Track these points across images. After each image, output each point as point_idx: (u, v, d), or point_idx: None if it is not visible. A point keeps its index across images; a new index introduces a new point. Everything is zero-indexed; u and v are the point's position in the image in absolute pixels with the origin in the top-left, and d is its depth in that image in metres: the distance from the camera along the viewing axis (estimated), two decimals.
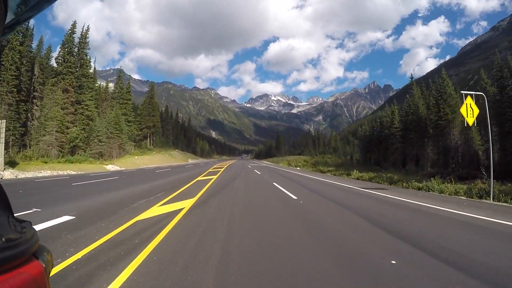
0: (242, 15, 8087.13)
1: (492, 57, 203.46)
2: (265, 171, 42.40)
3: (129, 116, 79.29)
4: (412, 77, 72.65)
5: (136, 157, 69.25)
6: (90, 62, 63.51)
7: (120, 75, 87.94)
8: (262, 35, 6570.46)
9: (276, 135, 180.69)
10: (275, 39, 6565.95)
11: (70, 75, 56.09)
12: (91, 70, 65.38)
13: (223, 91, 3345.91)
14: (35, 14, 1.22)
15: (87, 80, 61.22)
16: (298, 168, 65.79)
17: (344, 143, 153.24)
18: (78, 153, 53.76)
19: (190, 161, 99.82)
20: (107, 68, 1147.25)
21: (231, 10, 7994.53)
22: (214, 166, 53.40)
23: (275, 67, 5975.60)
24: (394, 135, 60.27)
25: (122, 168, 50.36)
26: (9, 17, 1.08)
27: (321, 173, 47.19)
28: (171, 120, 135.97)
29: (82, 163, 48.84)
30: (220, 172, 37.27)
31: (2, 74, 43.42)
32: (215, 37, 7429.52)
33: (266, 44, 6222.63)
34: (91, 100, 60.30)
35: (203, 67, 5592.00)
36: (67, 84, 55.00)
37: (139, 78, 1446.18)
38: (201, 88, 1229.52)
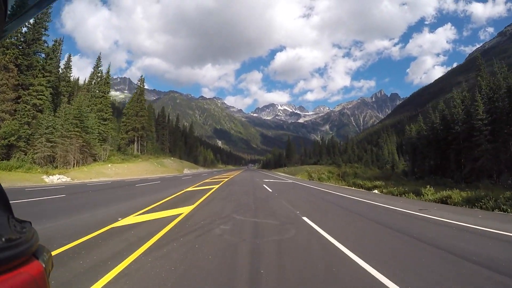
0: (249, 25, 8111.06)
1: (504, 61, 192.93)
2: (294, 195, 23.17)
3: (106, 113, 62.56)
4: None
5: (109, 165, 52.14)
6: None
7: (99, 56, 71.18)
8: (269, 44, 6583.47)
9: (287, 143, 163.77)
10: (281, 48, 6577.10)
11: (14, 48, 41.12)
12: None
13: (229, 100, 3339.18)
14: (35, 14, 1.21)
15: (44, 61, 46.08)
16: (325, 182, 48.68)
17: (361, 151, 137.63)
18: (16, 156, 37.31)
19: (187, 171, 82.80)
20: (115, 77, 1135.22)
21: (237, 19, 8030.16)
22: (206, 181, 34.83)
23: (281, 76, 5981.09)
24: (476, 130, 39.74)
25: (76, 181, 34.86)
26: (9, 16, 1.07)
27: (367, 190, 32.05)
28: (168, 124, 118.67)
29: (13, 170, 33.61)
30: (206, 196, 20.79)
31: None
32: (222, 46, 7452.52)
33: (273, 53, 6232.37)
34: (45, 86, 43.39)
35: (210, 77, 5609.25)
36: (8, 60, 38.71)
37: (146, 87, 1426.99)
38: (207, 97, 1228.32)
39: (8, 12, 0.98)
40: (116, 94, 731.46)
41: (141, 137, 79.77)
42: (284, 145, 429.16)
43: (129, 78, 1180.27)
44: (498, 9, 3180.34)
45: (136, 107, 78.65)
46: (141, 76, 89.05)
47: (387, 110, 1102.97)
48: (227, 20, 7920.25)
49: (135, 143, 78.40)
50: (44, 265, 0.78)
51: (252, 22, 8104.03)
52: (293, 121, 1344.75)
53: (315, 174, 64.01)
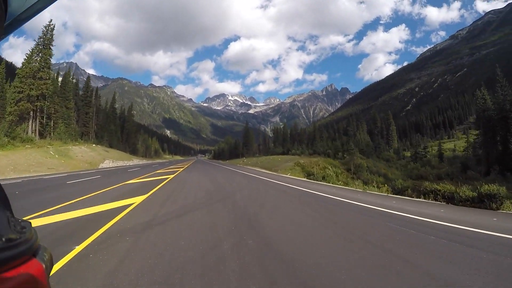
0: (205, 11, 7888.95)
1: (454, 62, 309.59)
2: None
3: None
4: None
5: None
6: None
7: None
8: (224, 33, 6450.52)
9: (245, 130, 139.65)
10: (236, 38, 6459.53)
11: None
12: None
13: (180, 89, 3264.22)
14: (35, 14, 1.21)
15: None
16: (335, 183, 27.49)
17: (330, 140, 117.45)
18: None
19: (108, 164, 56.00)
20: (61, 61, 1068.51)
21: (194, 5, 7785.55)
22: None
23: (234, 66, 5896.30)
24: None
25: None
26: (9, 17, 1.06)
27: None
28: (96, 102, 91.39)
29: None
30: None
31: None
32: (176, 33, 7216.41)
33: (227, 42, 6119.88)
34: None
35: (162, 64, 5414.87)
36: None
37: (94, 73, 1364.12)
38: (157, 85, 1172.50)
39: (8, 12, 0.97)
40: (60, 80, 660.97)
41: (40, 110, 53.35)
42: (235, 135, 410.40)
43: (76, 63, 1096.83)
44: (451, 15, 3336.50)
45: (34, 67, 52.06)
46: (50, 21, 58.45)
47: (337, 103, 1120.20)
48: (182, 6, 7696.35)
49: (31, 121, 51.88)
50: (44, 265, 0.76)
51: (209, 9, 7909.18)
52: (243, 111, 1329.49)
53: (315, 169, 41.11)
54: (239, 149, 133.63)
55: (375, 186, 25.67)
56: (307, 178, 33.51)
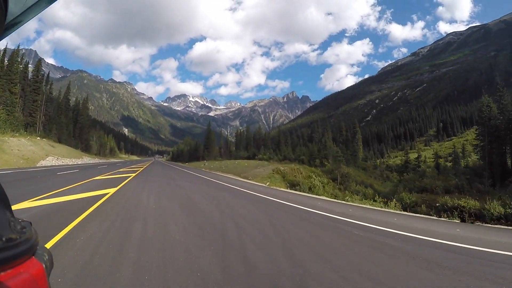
0: (173, 8, 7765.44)
1: (414, 77, 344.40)
2: None
3: None
4: None
5: None
6: None
7: None
8: (190, 32, 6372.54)
9: (207, 131, 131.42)
10: (202, 38, 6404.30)
11: None
12: None
13: (141, 87, 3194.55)
14: (35, 14, 1.21)
15: None
16: (324, 195, 21.90)
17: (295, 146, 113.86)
18: None
19: (51, 161, 47.76)
20: (21, 48, 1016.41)
21: (162, 0, 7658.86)
22: None
23: (197, 67, 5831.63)
24: None
25: None
26: (9, 17, 1.06)
27: None
28: (47, 89, 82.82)
29: None
30: None
31: None
32: (141, 27, 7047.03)
33: (192, 42, 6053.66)
34: None
35: (124, 59, 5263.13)
36: None
37: (54, 63, 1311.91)
38: (118, 81, 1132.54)
39: (8, 12, 0.94)
40: (19, 67, 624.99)
41: None
42: (194, 137, 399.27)
43: (35, 51, 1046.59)
44: (414, 33, 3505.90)
45: None
46: None
47: (297, 111, 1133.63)
48: (151, 1, 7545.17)
49: None
50: (44, 265, 0.77)
51: (177, 6, 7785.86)
52: (204, 113, 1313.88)
53: (300, 178, 35.89)
54: (200, 152, 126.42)
55: (380, 201, 20.44)
56: (290, 189, 27.98)
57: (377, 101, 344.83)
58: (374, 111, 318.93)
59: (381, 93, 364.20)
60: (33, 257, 0.75)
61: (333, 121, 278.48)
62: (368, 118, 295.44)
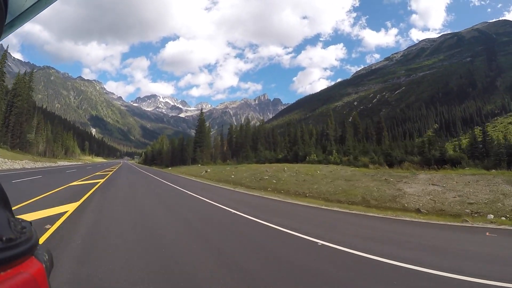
0: (146, 4, 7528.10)
1: (391, 80, 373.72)
2: None
3: None
4: None
5: None
6: None
7: None
8: (163, 31, 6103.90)
9: (199, 122, 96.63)
10: (175, 37, 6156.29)
11: None
12: None
13: (111, 86, 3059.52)
14: (35, 14, 1.21)
15: None
16: None
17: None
18: None
19: None
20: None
21: None
22: None
23: (169, 67, 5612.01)
24: None
25: None
26: (9, 17, 1.05)
27: None
28: None
29: None
30: None
31: None
32: (113, 23, 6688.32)
33: (165, 41, 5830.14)
34: None
35: (94, 56, 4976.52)
36: None
37: (21, 59, 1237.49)
38: (86, 78, 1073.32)
39: (8, 12, 0.89)
40: None
41: None
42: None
43: (1, 44, 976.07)
44: (387, 39, 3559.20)
45: None
46: None
47: (268, 113, 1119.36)
48: None
49: None
50: (44, 265, 0.75)
51: (151, 2, 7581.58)
52: (174, 114, 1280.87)
53: None
54: (188, 152, 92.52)
55: None
56: None
57: (355, 103, 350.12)
58: (354, 112, 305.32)
59: (358, 95, 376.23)
60: (33, 257, 0.73)
61: (311, 122, 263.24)
62: (350, 120, 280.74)
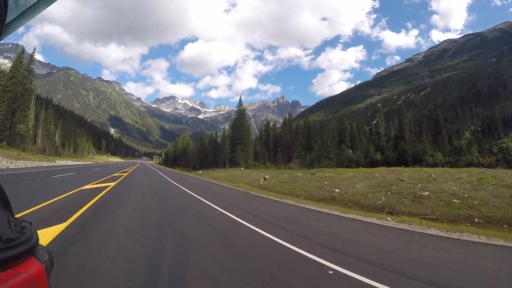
0: (165, 6, 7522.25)
1: (415, 82, 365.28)
2: None
3: None
4: None
5: None
6: None
7: None
8: (182, 33, 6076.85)
9: (238, 114, 77.28)
10: (194, 39, 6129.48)
11: None
12: None
13: (130, 87, 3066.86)
14: (35, 14, 1.20)
15: None
16: None
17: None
18: None
19: None
20: (7, 42, 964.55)
21: None
22: None
23: (188, 68, 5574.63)
24: None
25: None
26: (9, 17, 1.04)
27: None
28: None
29: None
30: None
31: None
32: (132, 25, 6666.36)
33: (184, 42, 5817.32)
34: None
35: (114, 58, 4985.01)
36: None
37: (42, 60, 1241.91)
38: (105, 79, 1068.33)
39: (8, 12, 0.90)
40: (3, 62, 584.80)
41: None
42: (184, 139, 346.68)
43: (22, 46, 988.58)
44: (408, 41, 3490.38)
45: None
46: None
47: (287, 115, 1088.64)
48: None
49: None
50: (44, 265, 0.75)
51: (169, 5, 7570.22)
52: (192, 116, 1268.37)
53: None
54: (225, 151, 71.75)
55: None
56: None
57: (379, 104, 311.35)
58: (380, 114, 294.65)
59: (381, 96, 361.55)
60: (33, 257, 0.73)
61: (333, 124, 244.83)
62: (375, 122, 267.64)
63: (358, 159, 48.17)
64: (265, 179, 35.52)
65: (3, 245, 0.62)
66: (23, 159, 44.81)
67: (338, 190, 24.30)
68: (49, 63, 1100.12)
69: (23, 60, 70.29)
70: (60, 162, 61.03)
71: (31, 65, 72.63)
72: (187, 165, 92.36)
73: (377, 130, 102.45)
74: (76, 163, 68.07)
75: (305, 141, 75.20)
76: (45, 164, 48.74)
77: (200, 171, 61.55)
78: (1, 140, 59.22)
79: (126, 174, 34.29)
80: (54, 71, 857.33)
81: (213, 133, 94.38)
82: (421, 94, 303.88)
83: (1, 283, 0.58)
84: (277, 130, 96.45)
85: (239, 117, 77.50)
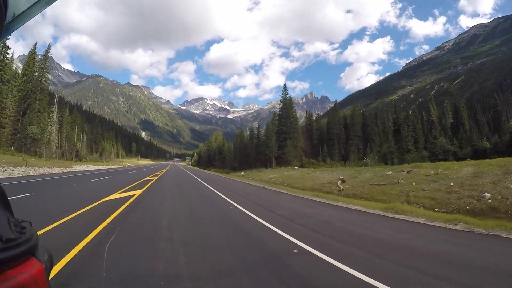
0: (189, 10, 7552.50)
1: (447, 70, 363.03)
2: None
3: None
4: None
5: None
6: None
7: None
8: (207, 34, 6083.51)
9: (283, 103, 65.21)
10: (220, 40, 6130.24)
11: None
12: None
13: (158, 91, 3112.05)
14: (35, 14, 1.19)
15: None
16: None
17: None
18: None
19: None
20: (37, 53, 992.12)
21: (176, 1, 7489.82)
22: None
23: (215, 69, 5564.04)
24: None
25: None
26: (9, 17, 1.04)
27: None
28: None
29: None
30: None
31: None
32: (157, 30, 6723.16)
33: (209, 44, 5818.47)
34: None
35: (141, 63, 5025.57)
36: None
37: (71, 69, 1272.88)
38: (134, 84, 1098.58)
39: (8, 12, 0.90)
40: None
41: None
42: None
43: (51, 57, 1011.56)
44: (436, 29, 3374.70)
45: None
46: None
47: (316, 111, 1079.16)
48: (165, 1, 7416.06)
49: None
50: (44, 265, 0.74)
51: (192, 7, 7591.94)
52: (222, 116, 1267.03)
53: None
54: (272, 148, 59.13)
55: None
56: None
57: (411, 95, 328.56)
58: (413, 106, 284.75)
59: (414, 87, 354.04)
60: (33, 257, 0.72)
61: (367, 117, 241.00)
62: (410, 113, 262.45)
63: (455, 150, 37.33)
64: (342, 181, 25.09)
65: (3, 245, 0.62)
66: (26, 165, 35.62)
67: (489, 195, 14.80)
68: (78, 71, 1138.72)
69: (35, 57, 62.59)
70: (77, 167, 51.87)
71: (46, 63, 65.72)
72: (224, 165, 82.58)
73: (430, 119, 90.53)
74: (96, 168, 58.92)
75: (361, 133, 64.34)
76: (55, 170, 39.53)
77: (242, 172, 51.53)
78: (11, 145, 50.99)
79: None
80: (83, 79, 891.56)
81: (255, 128, 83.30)
82: (455, 82, 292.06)
83: (1, 283, 0.58)
84: (321, 122, 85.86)
85: (286, 107, 66.71)
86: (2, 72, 52.81)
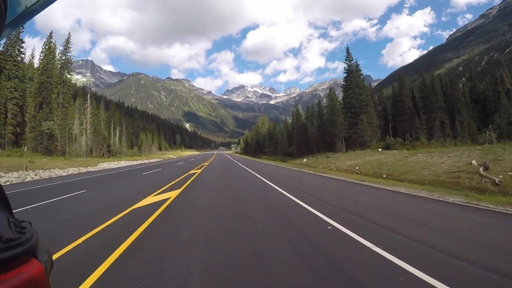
0: (221, 0, 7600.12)
1: (496, 39, 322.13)
2: None
3: None
4: None
5: None
6: None
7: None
8: (242, 22, 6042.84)
9: (348, 71, 54.96)
10: (255, 26, 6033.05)
11: None
12: None
13: (199, 82, 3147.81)
14: (35, 14, 1.20)
15: None
16: None
17: None
18: None
19: None
20: (77, 59, 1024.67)
21: None
22: None
23: (253, 56, 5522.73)
24: None
25: None
26: (9, 16, 1.04)
27: None
28: None
29: None
30: None
31: None
32: (192, 23, 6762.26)
33: (245, 31, 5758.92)
34: None
35: (179, 57, 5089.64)
36: None
37: (112, 70, 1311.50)
38: (174, 78, 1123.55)
39: (8, 12, 0.88)
40: (77, 78, 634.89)
41: None
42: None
43: (91, 61, 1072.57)
44: None
45: None
46: None
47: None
48: None
49: None
50: (44, 265, 0.72)
51: None
52: (264, 102, 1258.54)
53: None
54: (339, 127, 48.17)
55: None
56: None
57: (460, 68, 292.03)
58: (464, 79, 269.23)
59: (461, 59, 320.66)
60: (33, 257, 0.70)
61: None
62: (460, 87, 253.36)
63: None
64: (485, 167, 14.70)
65: (3, 245, 0.61)
66: (26, 168, 27.23)
67: None
68: (119, 71, 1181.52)
69: (51, 46, 55.11)
70: (103, 165, 43.05)
71: (67, 53, 58.64)
72: (276, 152, 73.45)
73: (505, 88, 76.07)
74: (129, 163, 50.18)
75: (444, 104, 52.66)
76: (69, 171, 30.76)
77: (305, 159, 41.32)
78: (23, 145, 43.46)
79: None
80: (124, 78, 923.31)
81: (315, 104, 72.70)
82: (506, 51, 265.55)
83: (1, 283, 0.57)
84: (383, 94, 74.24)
85: (353, 75, 54.26)
86: (17, 68, 47.99)
